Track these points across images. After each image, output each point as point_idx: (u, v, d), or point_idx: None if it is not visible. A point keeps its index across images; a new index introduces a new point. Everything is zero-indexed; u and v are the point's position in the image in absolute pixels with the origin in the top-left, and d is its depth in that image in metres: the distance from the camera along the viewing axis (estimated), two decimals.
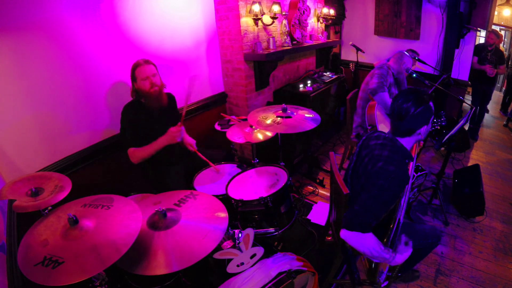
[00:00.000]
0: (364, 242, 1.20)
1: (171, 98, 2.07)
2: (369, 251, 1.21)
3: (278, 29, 3.12)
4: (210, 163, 2.03)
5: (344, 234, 1.22)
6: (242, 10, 2.61)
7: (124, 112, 1.83)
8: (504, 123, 4.86)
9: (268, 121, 1.96)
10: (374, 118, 2.38)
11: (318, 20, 3.82)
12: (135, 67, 1.80)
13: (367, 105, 2.51)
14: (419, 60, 3.06)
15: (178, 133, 1.81)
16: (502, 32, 5.90)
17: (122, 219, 1.14)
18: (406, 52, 2.64)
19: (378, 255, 1.21)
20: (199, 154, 2.01)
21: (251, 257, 1.34)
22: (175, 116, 2.12)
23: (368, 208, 1.18)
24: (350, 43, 4.01)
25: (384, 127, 2.42)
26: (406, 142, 1.29)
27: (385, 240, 1.33)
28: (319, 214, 2.43)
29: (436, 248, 2.06)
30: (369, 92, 2.48)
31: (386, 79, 2.46)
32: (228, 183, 1.86)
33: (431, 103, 1.23)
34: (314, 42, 3.47)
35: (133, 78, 1.82)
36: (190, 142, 2.03)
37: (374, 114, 2.39)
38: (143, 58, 1.84)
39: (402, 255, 1.27)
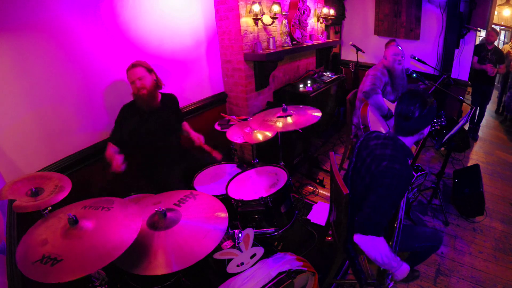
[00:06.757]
0: (377, 247, 1.20)
1: (170, 98, 2.07)
2: (381, 256, 1.21)
3: (278, 29, 3.12)
4: (214, 152, 2.06)
5: (359, 238, 1.22)
6: (242, 10, 2.61)
7: (121, 110, 1.91)
8: (501, 119, 4.87)
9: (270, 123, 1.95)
10: (367, 118, 2.43)
11: (318, 20, 3.82)
12: (127, 71, 1.85)
13: (361, 105, 2.55)
14: (419, 60, 3.05)
15: (117, 168, 1.66)
16: (502, 32, 5.90)
17: (122, 219, 1.14)
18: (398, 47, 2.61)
19: (388, 261, 1.21)
20: (204, 146, 2.04)
21: (251, 257, 1.34)
22: (175, 116, 2.11)
23: (378, 209, 1.19)
24: (350, 43, 4.00)
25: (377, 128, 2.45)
26: (409, 140, 1.32)
27: (390, 243, 1.33)
28: (319, 214, 2.43)
29: None
30: (363, 96, 2.52)
31: (381, 80, 2.49)
32: (228, 183, 1.86)
33: (434, 105, 1.25)
34: (314, 42, 3.47)
35: None
36: (198, 135, 2.07)
37: (367, 115, 2.44)
38: (138, 59, 1.89)
39: (407, 266, 1.28)
